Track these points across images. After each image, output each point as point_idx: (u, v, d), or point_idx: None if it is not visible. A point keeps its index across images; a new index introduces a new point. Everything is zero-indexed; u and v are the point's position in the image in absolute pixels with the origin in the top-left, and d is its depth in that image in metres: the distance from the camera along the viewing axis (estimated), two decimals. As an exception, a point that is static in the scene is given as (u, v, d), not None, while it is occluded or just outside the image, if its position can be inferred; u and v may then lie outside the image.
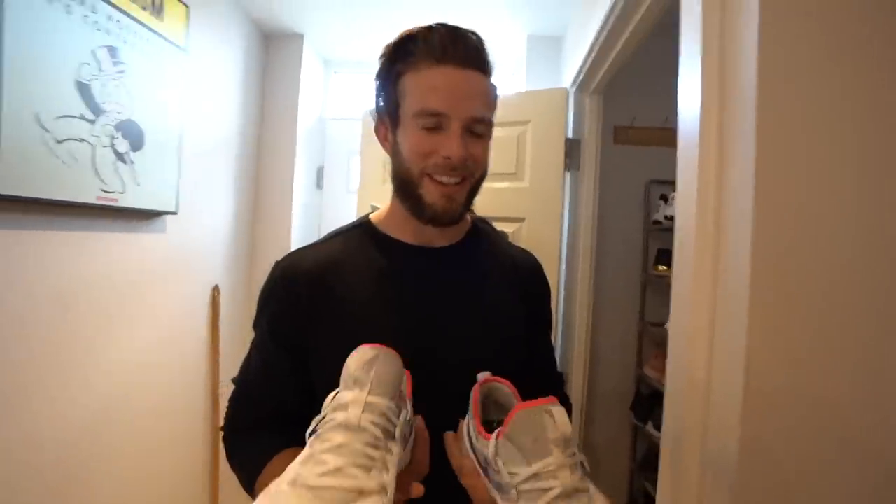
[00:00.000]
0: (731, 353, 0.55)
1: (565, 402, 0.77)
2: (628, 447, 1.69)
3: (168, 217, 1.34)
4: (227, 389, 1.54)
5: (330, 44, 1.92)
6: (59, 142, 0.99)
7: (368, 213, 0.73)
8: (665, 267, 1.50)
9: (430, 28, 0.59)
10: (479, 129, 0.59)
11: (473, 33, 0.60)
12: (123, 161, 1.15)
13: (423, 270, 0.65)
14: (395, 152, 0.62)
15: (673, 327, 0.69)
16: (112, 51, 1.10)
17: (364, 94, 2.09)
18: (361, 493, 0.37)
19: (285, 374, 0.64)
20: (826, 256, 0.52)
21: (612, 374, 1.61)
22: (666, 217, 1.48)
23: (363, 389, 0.43)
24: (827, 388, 0.52)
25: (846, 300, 0.52)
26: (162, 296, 1.34)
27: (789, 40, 0.52)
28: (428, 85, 0.57)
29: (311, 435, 0.43)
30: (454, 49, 0.57)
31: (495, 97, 0.62)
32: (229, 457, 0.66)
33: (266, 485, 0.56)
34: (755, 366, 0.52)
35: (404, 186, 0.62)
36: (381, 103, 0.63)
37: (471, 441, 0.50)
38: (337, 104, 2.10)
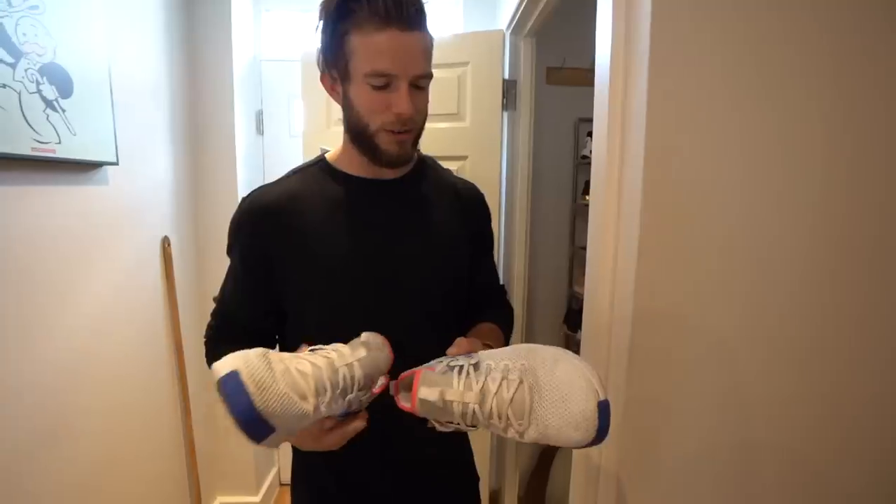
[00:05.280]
0: (626, 272, 0.66)
1: (507, 309, 0.93)
2: (562, 354, 1.97)
3: (109, 168, 1.30)
4: (190, 336, 1.60)
5: (257, -24, 1.81)
6: (-18, 89, 0.93)
7: (324, 153, 0.81)
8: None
9: None
10: (422, 82, 0.66)
11: None
12: (54, 109, 1.09)
13: (374, 200, 0.74)
14: (347, 105, 0.69)
15: (589, 249, 0.79)
16: (20, -17, 1.02)
17: (299, 34, 2.00)
18: (304, 398, 0.49)
19: (254, 296, 0.75)
20: (704, 189, 0.62)
21: (548, 292, 1.84)
22: (592, 152, 1.65)
23: (357, 357, 0.56)
24: (695, 306, 0.64)
25: (716, 229, 0.62)
26: (111, 250, 1.32)
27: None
28: (376, 48, 0.62)
29: (310, 349, 0.57)
30: (397, 12, 0.61)
31: (432, 49, 0.69)
32: (208, 360, 0.77)
33: None
34: (641, 283, 0.63)
35: (360, 136, 0.69)
36: (327, 57, 0.68)
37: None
38: (271, 45, 2.00)
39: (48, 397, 1.10)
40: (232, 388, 0.45)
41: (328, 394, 0.51)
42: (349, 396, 0.54)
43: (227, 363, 0.48)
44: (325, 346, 0.58)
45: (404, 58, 0.63)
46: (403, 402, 0.57)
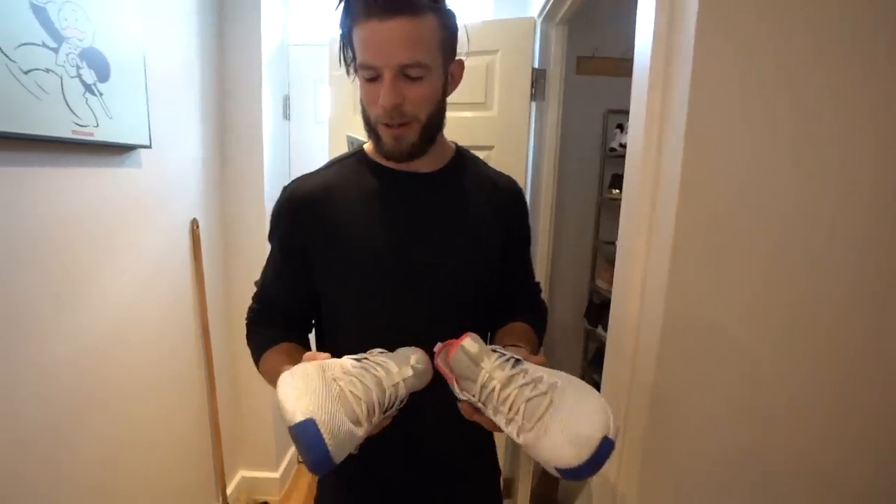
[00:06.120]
0: (658, 272, 0.64)
1: (542, 309, 0.92)
2: (581, 347, 1.97)
3: (143, 151, 1.33)
4: (216, 318, 1.63)
5: (286, -41, 1.80)
6: (26, 72, 0.96)
7: (360, 145, 0.81)
8: (618, 190, 1.66)
9: None
10: (413, 72, 0.63)
11: None
12: (92, 93, 1.12)
13: (408, 193, 0.74)
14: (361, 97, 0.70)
15: (620, 246, 0.77)
16: (62, -33, 1.03)
17: (327, 18, 2.00)
18: (359, 424, 0.52)
19: (292, 283, 0.77)
20: (747, 189, 0.58)
21: (570, 285, 1.82)
22: (620, 145, 1.62)
23: (404, 376, 0.59)
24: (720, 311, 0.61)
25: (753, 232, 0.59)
26: (143, 231, 1.36)
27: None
28: (361, 39, 0.63)
29: (356, 359, 0.59)
30: (374, 2, 0.60)
31: (439, 34, 0.65)
32: (248, 340, 0.81)
33: (267, 363, 0.75)
34: (674, 284, 0.61)
35: (367, 127, 0.71)
36: (344, 52, 0.69)
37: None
38: (299, 29, 2.00)
39: (79, 376, 1.14)
40: (310, 438, 0.47)
41: (376, 414, 0.54)
42: (389, 412, 0.58)
43: (300, 406, 0.48)
44: (371, 356, 0.60)
45: (384, 48, 0.61)
46: (440, 363, 0.62)
